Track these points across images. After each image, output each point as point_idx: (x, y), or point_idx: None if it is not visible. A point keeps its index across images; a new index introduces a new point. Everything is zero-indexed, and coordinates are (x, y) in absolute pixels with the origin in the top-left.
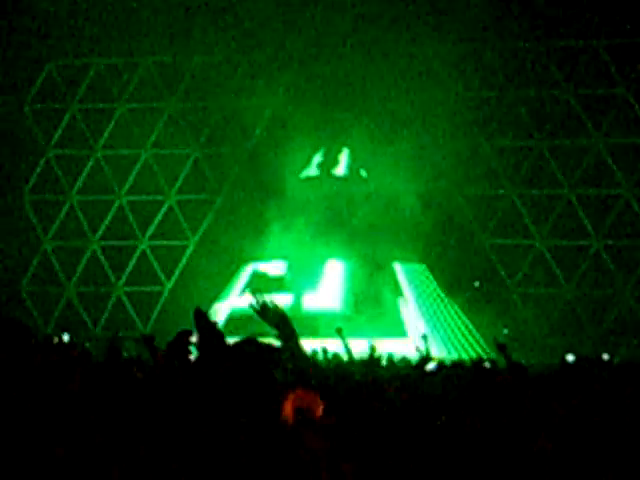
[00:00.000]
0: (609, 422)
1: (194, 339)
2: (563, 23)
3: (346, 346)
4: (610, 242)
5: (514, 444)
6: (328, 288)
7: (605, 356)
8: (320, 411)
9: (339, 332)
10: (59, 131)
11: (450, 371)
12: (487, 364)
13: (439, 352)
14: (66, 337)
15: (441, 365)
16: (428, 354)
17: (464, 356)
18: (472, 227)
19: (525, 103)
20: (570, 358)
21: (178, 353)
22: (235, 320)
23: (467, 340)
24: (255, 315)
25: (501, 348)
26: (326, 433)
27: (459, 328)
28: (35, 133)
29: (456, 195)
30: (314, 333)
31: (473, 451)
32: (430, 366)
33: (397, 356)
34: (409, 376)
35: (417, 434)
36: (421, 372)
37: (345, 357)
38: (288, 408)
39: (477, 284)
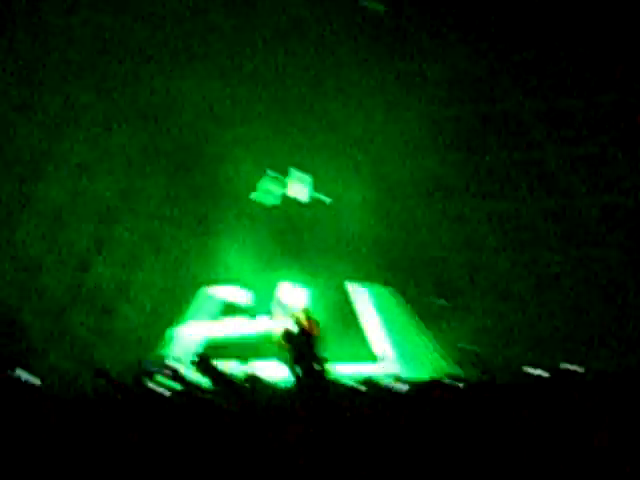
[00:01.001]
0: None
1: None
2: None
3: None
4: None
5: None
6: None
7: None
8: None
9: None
10: None
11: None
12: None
13: (406, 372)
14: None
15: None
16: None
17: (431, 374)
18: (434, 242)
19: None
20: (538, 371)
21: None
22: (208, 348)
23: (433, 357)
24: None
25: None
26: None
27: (425, 346)
28: None
29: (417, 211)
30: (273, 356)
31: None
32: (400, 387)
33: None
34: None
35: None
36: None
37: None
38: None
39: (442, 301)
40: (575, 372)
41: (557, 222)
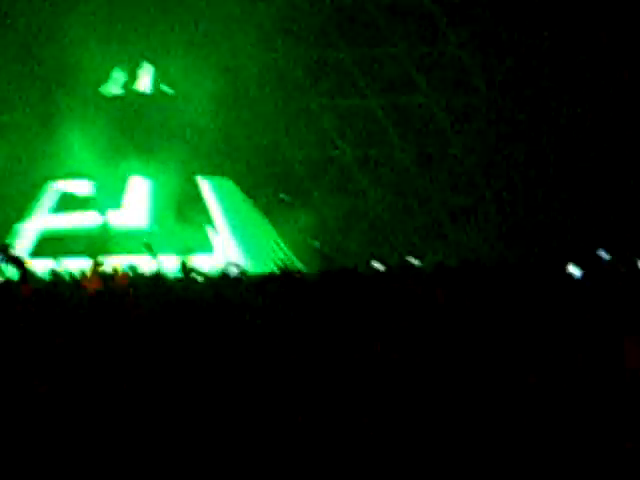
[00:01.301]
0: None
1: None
2: None
3: (155, 259)
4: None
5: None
6: (134, 205)
7: (414, 260)
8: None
9: (147, 247)
10: None
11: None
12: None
13: (246, 264)
14: None
15: (244, 275)
16: (236, 266)
17: (270, 266)
18: (278, 137)
19: None
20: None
21: None
22: (46, 241)
23: (273, 251)
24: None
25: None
26: None
27: (267, 240)
28: None
29: (263, 106)
30: (122, 250)
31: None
32: (232, 276)
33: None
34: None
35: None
36: (225, 282)
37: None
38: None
39: (284, 197)
40: (414, 265)
41: (398, 118)
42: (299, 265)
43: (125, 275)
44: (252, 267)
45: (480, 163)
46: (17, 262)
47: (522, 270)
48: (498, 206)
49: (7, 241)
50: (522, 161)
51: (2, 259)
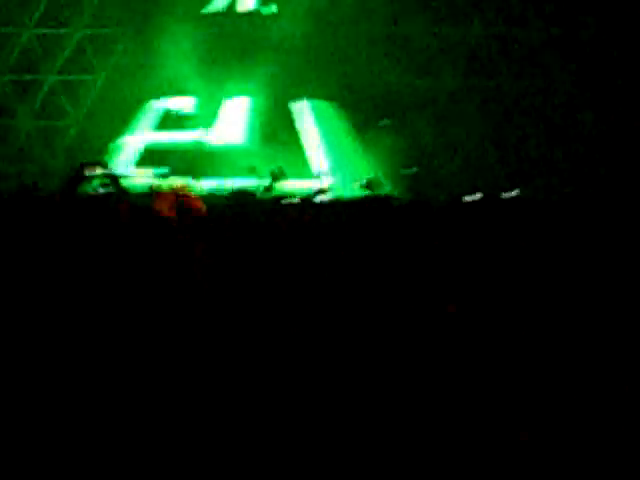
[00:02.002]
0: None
1: (97, 171)
2: None
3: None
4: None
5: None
6: (233, 123)
7: (513, 192)
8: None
9: (251, 169)
10: None
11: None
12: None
13: (341, 188)
14: None
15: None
16: (322, 188)
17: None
18: (385, 65)
19: None
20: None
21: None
22: (148, 154)
23: (369, 175)
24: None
25: (367, 185)
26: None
27: (363, 165)
28: None
29: (372, 31)
30: (219, 167)
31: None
32: (322, 198)
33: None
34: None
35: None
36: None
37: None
38: (165, 205)
39: (385, 121)
40: (510, 198)
41: (504, 49)
42: (391, 190)
43: (196, 198)
44: (344, 190)
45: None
46: (112, 178)
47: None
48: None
49: (109, 156)
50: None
51: (97, 174)
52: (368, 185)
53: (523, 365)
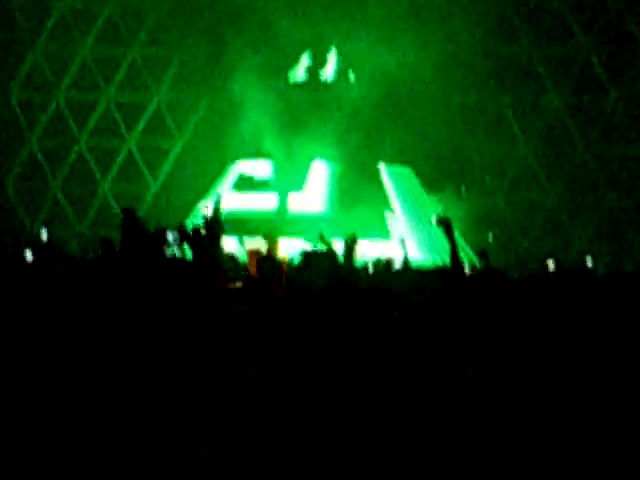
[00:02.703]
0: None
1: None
2: None
3: (329, 246)
4: (596, 148)
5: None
6: (313, 189)
7: (588, 261)
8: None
9: (322, 237)
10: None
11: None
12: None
13: (420, 255)
14: (44, 234)
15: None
16: (405, 256)
17: (445, 260)
18: (457, 133)
19: None
20: (551, 264)
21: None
22: (225, 220)
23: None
24: (244, 214)
25: (482, 255)
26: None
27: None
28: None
29: (446, 97)
30: (299, 233)
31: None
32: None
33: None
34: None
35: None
36: (390, 271)
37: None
38: (252, 263)
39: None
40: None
41: (583, 119)
42: (474, 259)
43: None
44: (423, 255)
45: None
46: (194, 243)
47: None
48: None
49: (189, 220)
50: None
51: (177, 239)
52: (440, 221)
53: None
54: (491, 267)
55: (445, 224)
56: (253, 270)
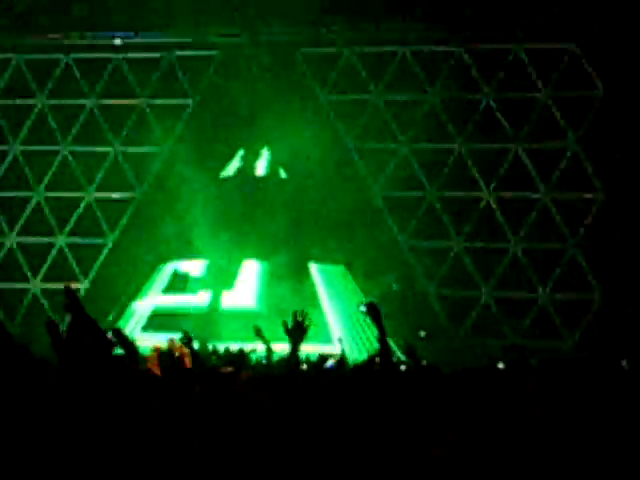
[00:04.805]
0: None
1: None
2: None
3: (266, 343)
4: (525, 246)
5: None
6: (245, 287)
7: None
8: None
9: (257, 331)
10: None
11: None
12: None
13: (351, 354)
14: None
15: (340, 364)
16: (342, 354)
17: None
18: (390, 229)
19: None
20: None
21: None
22: (157, 317)
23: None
24: (177, 312)
25: (409, 351)
26: None
27: (372, 331)
28: None
29: (375, 195)
30: (232, 332)
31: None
32: (329, 364)
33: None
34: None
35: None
36: (317, 370)
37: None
38: (154, 360)
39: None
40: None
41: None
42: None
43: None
44: (353, 354)
45: None
46: (127, 345)
47: None
48: None
49: (120, 321)
50: None
51: (114, 341)
52: (367, 307)
53: None
54: (421, 364)
55: (372, 310)
56: (153, 365)
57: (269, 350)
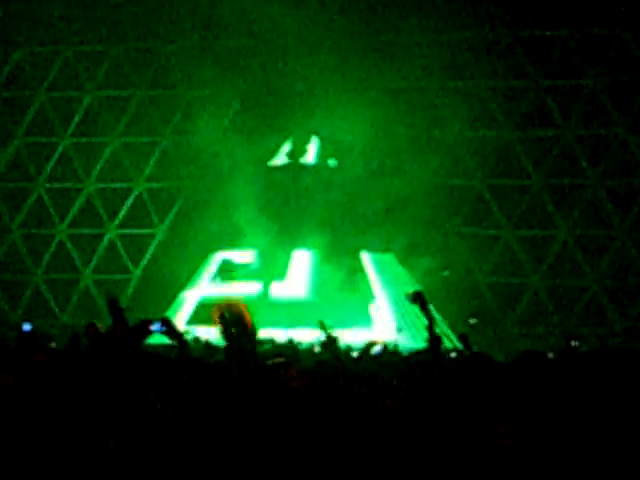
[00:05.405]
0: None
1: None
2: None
3: (329, 334)
4: (578, 232)
5: (464, 434)
6: (295, 277)
7: (573, 343)
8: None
9: (322, 324)
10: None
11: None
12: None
13: (406, 341)
14: (27, 326)
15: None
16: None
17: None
18: (439, 216)
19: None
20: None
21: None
22: (205, 308)
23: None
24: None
25: (463, 339)
26: None
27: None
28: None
29: (424, 183)
30: (281, 321)
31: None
32: (375, 350)
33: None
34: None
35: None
36: (364, 357)
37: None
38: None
39: (446, 272)
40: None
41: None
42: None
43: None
44: (407, 341)
45: None
46: (176, 335)
47: None
48: None
49: (171, 310)
50: None
51: (161, 330)
52: (413, 297)
53: None
54: (474, 351)
55: (419, 299)
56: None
57: (332, 339)
